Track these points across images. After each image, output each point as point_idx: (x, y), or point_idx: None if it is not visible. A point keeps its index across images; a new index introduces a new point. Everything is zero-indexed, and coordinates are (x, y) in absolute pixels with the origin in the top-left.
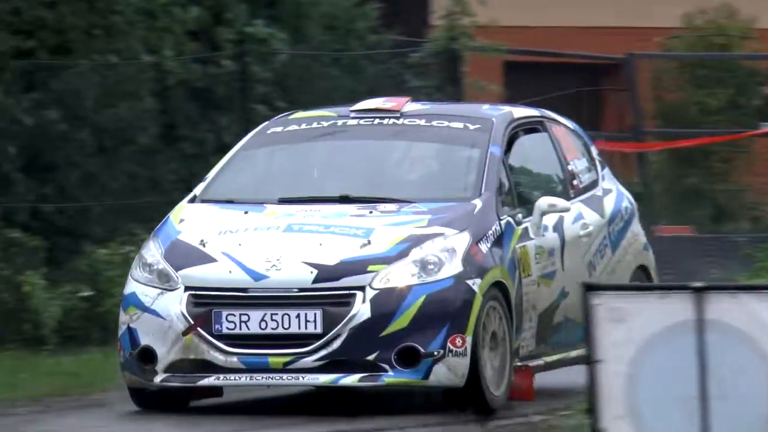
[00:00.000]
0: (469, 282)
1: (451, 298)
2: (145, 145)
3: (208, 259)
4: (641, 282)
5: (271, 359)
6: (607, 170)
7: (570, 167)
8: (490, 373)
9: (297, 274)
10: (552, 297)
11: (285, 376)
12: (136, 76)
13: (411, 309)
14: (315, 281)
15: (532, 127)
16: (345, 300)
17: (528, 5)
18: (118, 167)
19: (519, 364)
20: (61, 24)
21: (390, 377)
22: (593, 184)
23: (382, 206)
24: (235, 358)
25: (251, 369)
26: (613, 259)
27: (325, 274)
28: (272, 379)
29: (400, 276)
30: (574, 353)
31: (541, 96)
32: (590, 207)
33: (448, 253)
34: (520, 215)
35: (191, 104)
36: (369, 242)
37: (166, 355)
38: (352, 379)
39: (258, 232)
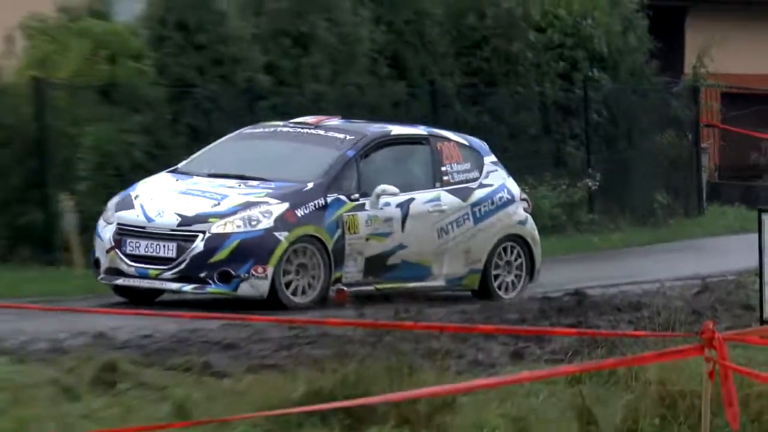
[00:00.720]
0: (277, 233)
1: (258, 242)
2: (531, 134)
3: (131, 207)
4: (512, 246)
5: (150, 271)
6: (497, 174)
7: (443, 168)
8: (292, 288)
9: (169, 220)
10: (384, 248)
11: (156, 282)
12: (530, 99)
13: (229, 247)
14: (178, 225)
15: (415, 141)
16: (191, 238)
17: (738, 59)
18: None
19: (340, 287)
20: (490, 68)
21: (212, 288)
22: (471, 180)
23: (251, 182)
24: (132, 269)
25: (140, 276)
26: (474, 227)
27: (184, 221)
28: (150, 283)
29: (227, 227)
30: (411, 284)
31: (741, 112)
32: (454, 194)
33: (267, 214)
34: (356, 195)
35: (558, 116)
36: (219, 204)
37: (103, 263)
38: (189, 288)
39: (167, 192)
